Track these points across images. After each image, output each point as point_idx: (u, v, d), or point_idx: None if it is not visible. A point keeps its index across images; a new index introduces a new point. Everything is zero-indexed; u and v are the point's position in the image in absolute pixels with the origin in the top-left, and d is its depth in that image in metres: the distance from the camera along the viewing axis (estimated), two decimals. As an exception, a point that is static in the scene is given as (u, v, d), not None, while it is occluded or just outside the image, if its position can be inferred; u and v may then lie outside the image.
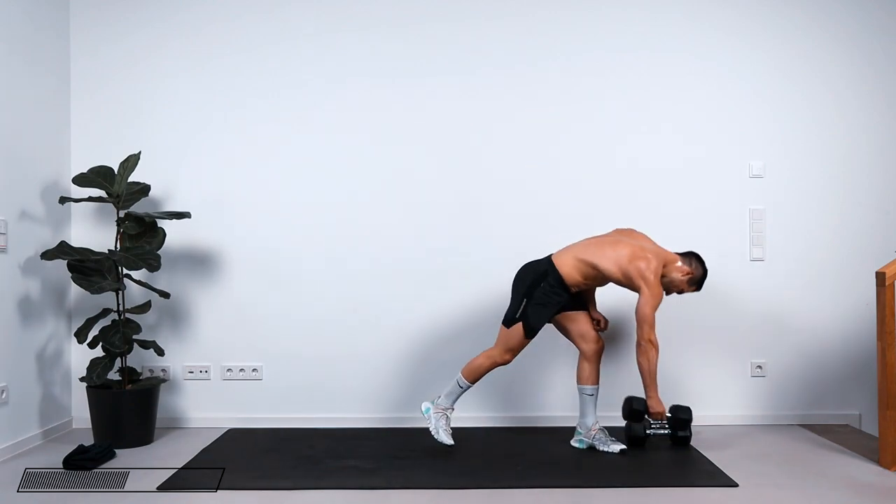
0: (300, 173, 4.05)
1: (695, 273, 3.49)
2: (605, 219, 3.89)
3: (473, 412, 3.96)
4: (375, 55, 4.06)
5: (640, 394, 3.60)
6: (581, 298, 3.56)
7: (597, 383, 3.52)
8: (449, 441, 3.38)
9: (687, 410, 3.57)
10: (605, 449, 3.44)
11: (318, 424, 3.98)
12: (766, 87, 4.06)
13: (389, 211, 4.04)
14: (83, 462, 3.22)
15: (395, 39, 4.06)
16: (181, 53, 4.06)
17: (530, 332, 3.36)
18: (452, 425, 3.50)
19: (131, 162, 3.69)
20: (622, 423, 3.66)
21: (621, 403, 3.64)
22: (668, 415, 3.56)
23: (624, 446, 3.44)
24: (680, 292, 3.54)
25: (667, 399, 3.98)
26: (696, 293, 3.62)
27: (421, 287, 4.03)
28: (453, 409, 3.48)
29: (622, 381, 3.92)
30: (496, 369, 3.50)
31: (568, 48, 4.06)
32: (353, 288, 4.04)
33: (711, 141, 4.06)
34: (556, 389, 4.02)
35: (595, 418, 3.52)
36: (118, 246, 3.71)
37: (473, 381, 3.44)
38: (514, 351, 3.40)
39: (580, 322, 3.53)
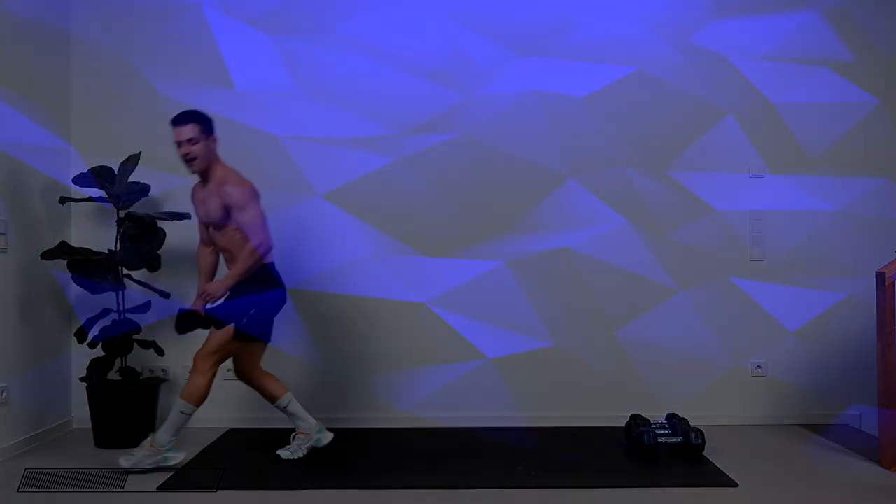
0: (301, 172, 4.04)
1: None
2: (604, 217, 3.88)
3: (473, 412, 3.95)
4: (381, 52, 4.06)
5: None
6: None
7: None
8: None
9: (700, 435, 3.40)
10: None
11: (318, 424, 3.97)
12: (767, 86, 4.06)
13: (389, 210, 4.03)
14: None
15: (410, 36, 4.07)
16: (182, 52, 4.05)
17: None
18: (450, 424, 3.59)
19: (131, 162, 3.69)
20: (606, 422, 3.66)
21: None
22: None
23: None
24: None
25: (668, 398, 3.99)
26: None
27: (423, 287, 4.03)
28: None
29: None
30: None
31: (564, 44, 4.06)
32: (354, 287, 4.04)
33: (711, 140, 4.06)
34: (554, 389, 4.02)
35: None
36: (118, 246, 3.71)
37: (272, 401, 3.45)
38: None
39: None
